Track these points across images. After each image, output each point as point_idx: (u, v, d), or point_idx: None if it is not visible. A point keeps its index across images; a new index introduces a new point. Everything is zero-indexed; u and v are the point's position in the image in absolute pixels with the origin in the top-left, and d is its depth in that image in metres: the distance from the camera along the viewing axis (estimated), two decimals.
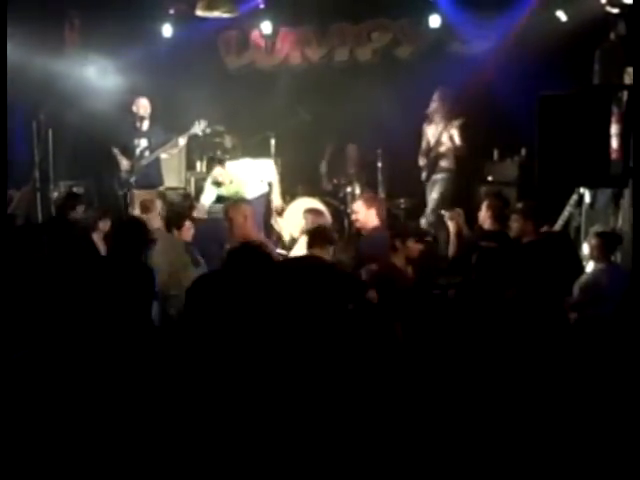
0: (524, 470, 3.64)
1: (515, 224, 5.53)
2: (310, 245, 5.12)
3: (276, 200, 7.58)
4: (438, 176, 7.83)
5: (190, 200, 6.80)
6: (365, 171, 8.53)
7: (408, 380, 4.25)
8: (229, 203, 6.34)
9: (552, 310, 5.00)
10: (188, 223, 5.99)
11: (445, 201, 7.68)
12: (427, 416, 3.92)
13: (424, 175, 7.96)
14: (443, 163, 7.83)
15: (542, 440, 3.75)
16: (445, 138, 7.75)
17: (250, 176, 7.49)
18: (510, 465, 3.65)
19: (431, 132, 7.86)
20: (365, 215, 6.02)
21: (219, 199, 7.61)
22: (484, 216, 6.01)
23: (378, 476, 3.61)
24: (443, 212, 6.66)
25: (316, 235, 5.17)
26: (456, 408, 3.94)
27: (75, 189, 8.07)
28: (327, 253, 5.03)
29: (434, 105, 7.80)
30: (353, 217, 6.27)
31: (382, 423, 3.86)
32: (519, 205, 5.83)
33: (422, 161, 7.96)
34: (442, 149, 7.78)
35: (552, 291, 5.09)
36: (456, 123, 7.70)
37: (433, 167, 7.86)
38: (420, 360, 4.43)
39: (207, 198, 7.42)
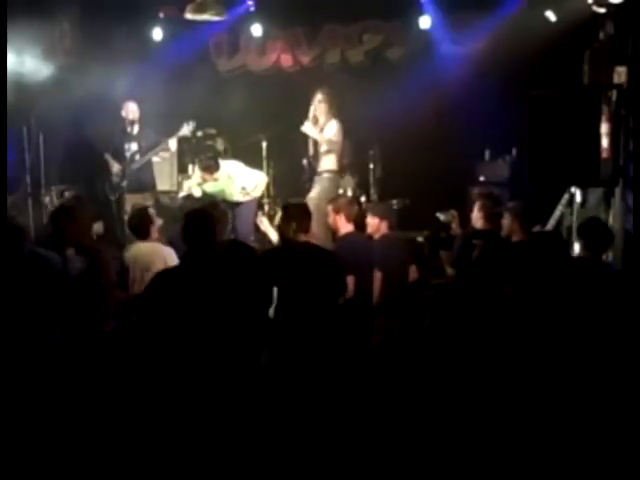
0: (525, 467, 3.65)
1: (505, 222, 5.56)
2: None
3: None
4: (320, 177, 7.79)
5: (193, 201, 6.75)
6: (357, 172, 8.54)
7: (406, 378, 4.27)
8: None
9: (542, 308, 5.01)
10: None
11: (323, 202, 7.65)
12: (427, 413, 3.94)
13: (307, 176, 8.02)
14: (325, 164, 7.79)
15: (538, 439, 3.76)
16: (327, 137, 7.72)
17: (241, 178, 7.49)
18: (510, 462, 3.66)
19: (315, 132, 7.81)
20: (334, 220, 5.93)
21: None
22: (476, 217, 6.02)
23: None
24: (438, 214, 6.68)
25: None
26: (455, 405, 3.96)
27: (67, 193, 8.05)
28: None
29: (321, 106, 7.76)
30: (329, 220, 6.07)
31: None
32: (509, 204, 5.84)
33: (305, 161, 8.03)
34: (323, 149, 7.77)
35: (541, 290, 5.09)
36: (335, 123, 7.70)
37: (316, 168, 7.89)
38: (419, 358, 4.43)
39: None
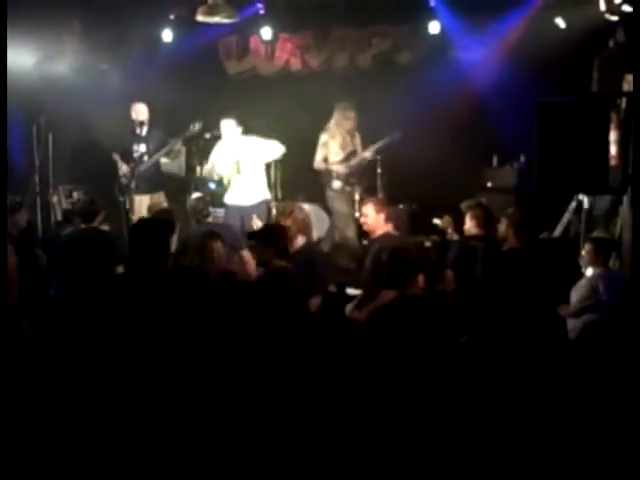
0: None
1: (500, 227, 5.56)
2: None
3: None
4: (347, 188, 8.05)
5: (204, 203, 6.74)
6: (365, 176, 8.55)
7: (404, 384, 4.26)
8: None
9: (545, 317, 5.00)
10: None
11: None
12: (425, 422, 3.92)
13: (339, 184, 8.09)
14: (353, 177, 8.06)
15: (539, 445, 3.75)
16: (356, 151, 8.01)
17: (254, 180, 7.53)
18: (506, 472, 3.66)
19: (336, 144, 8.02)
20: (374, 220, 5.94)
21: (219, 203, 7.66)
22: (469, 226, 6.00)
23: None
24: (435, 221, 6.71)
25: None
26: (454, 415, 3.95)
27: (75, 194, 8.08)
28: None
29: (344, 118, 7.96)
30: (362, 220, 6.11)
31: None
32: (508, 210, 5.82)
33: (343, 168, 8.05)
34: (354, 162, 7.97)
35: (536, 298, 5.06)
36: (358, 139, 8.01)
37: (348, 178, 8.04)
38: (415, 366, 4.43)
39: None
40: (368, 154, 7.92)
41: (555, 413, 3.95)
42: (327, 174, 8.08)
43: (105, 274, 5.72)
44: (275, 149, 7.59)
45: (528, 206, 5.95)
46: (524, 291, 4.91)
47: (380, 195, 8.28)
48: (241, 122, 7.60)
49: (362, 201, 7.70)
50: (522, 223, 5.45)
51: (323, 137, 8.05)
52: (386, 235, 5.86)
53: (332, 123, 8.02)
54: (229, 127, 7.54)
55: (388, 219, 5.92)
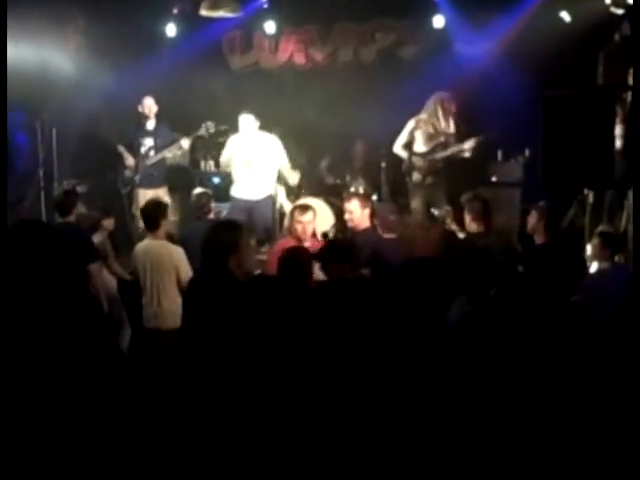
0: (524, 470, 3.64)
1: (530, 220, 5.62)
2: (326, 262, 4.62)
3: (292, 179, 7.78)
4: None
5: (206, 199, 6.70)
6: (370, 170, 8.54)
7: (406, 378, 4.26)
8: None
9: (558, 310, 4.99)
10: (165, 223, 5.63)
11: None
12: (427, 416, 3.92)
13: (418, 177, 8.05)
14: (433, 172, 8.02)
15: (543, 441, 3.75)
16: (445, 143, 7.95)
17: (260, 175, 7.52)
18: (510, 464, 3.65)
19: (423, 135, 7.97)
20: (360, 216, 5.97)
21: (223, 197, 7.65)
22: (467, 221, 6.03)
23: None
24: (432, 210, 6.74)
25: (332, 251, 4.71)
26: (457, 407, 3.94)
27: (78, 188, 8.07)
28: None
29: (440, 109, 7.88)
30: (347, 216, 6.04)
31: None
32: (540, 203, 5.85)
33: (422, 162, 8.02)
34: (439, 155, 7.96)
35: (558, 292, 5.09)
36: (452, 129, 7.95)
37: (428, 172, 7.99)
38: (422, 359, 4.42)
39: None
40: (467, 145, 7.77)
41: (558, 407, 3.94)
42: (407, 163, 8.03)
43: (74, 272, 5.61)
44: (291, 175, 7.75)
45: (538, 199, 5.98)
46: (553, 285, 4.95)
47: (383, 190, 8.31)
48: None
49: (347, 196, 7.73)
50: (552, 217, 5.51)
51: (411, 123, 7.96)
52: (368, 229, 5.90)
53: (425, 112, 7.92)
54: (248, 122, 7.51)
55: (373, 214, 5.98)
